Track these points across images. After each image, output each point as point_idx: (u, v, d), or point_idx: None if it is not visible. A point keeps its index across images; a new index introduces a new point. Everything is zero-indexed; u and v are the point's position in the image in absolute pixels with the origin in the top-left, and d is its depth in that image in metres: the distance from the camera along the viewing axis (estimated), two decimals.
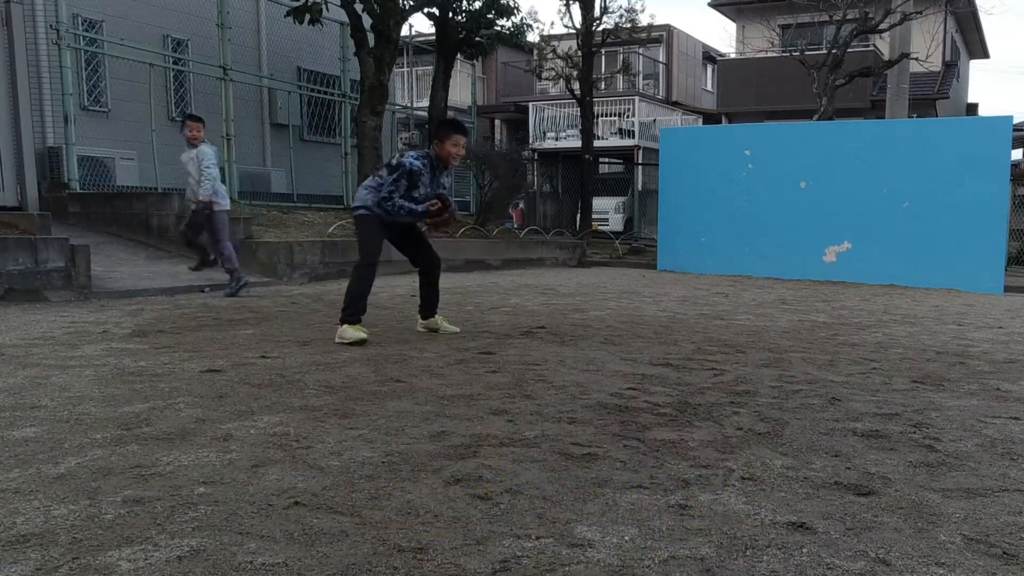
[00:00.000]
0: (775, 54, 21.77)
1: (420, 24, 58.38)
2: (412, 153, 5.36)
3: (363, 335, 5.05)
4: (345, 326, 5.09)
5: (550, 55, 17.98)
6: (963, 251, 10.60)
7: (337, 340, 5.05)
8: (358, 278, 5.33)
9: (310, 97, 14.60)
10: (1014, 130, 11.47)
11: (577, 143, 19.30)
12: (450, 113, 15.77)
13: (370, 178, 5.44)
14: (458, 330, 5.68)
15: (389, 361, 4.44)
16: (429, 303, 5.68)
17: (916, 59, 16.69)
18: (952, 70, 24.06)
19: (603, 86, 22.34)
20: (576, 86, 16.96)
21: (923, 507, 2.37)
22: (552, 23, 55.70)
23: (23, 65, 7.89)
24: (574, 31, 16.85)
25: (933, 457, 2.86)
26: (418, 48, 17.39)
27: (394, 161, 5.30)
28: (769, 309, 7.69)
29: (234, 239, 9.30)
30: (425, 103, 15.66)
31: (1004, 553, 2.06)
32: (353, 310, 5.15)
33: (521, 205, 19.97)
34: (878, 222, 11.16)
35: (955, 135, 10.86)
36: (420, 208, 5.18)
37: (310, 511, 2.23)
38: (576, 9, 16.58)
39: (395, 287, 8.87)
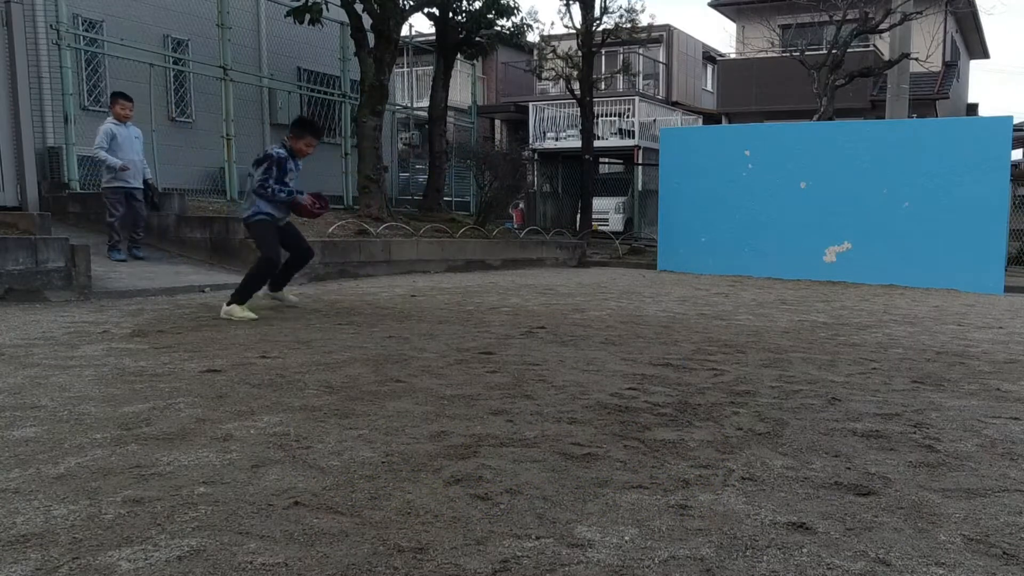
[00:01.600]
0: (775, 54, 21.77)
1: (420, 24, 58.42)
2: (274, 145, 6.24)
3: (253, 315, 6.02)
4: (235, 306, 6.02)
5: (550, 55, 18.00)
6: (963, 251, 10.60)
7: (223, 315, 5.96)
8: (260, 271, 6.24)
9: (310, 97, 14.60)
10: (1014, 130, 11.47)
11: (577, 143, 19.30)
12: (450, 113, 15.78)
13: (248, 184, 6.30)
14: (296, 300, 6.75)
15: (389, 361, 4.44)
16: (281, 281, 6.63)
17: (916, 59, 16.70)
18: (952, 70, 24.07)
19: (603, 86, 22.32)
20: (576, 86, 16.96)
21: (923, 507, 2.37)
22: (552, 23, 55.79)
23: (23, 65, 7.88)
24: (574, 31, 16.85)
25: (933, 457, 2.86)
26: (418, 48, 17.39)
27: (260, 155, 6.14)
28: (769, 309, 7.69)
29: (234, 239, 9.32)
30: (425, 103, 15.66)
31: (1004, 553, 2.06)
32: (244, 295, 6.12)
33: (521, 205, 19.97)
34: (878, 222, 11.16)
35: (955, 135, 10.86)
36: (285, 194, 6.08)
37: (310, 511, 2.23)
38: (576, 9, 16.60)
39: (395, 287, 8.88)
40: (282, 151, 6.10)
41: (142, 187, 8.99)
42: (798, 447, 2.96)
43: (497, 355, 4.71)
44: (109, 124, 8.76)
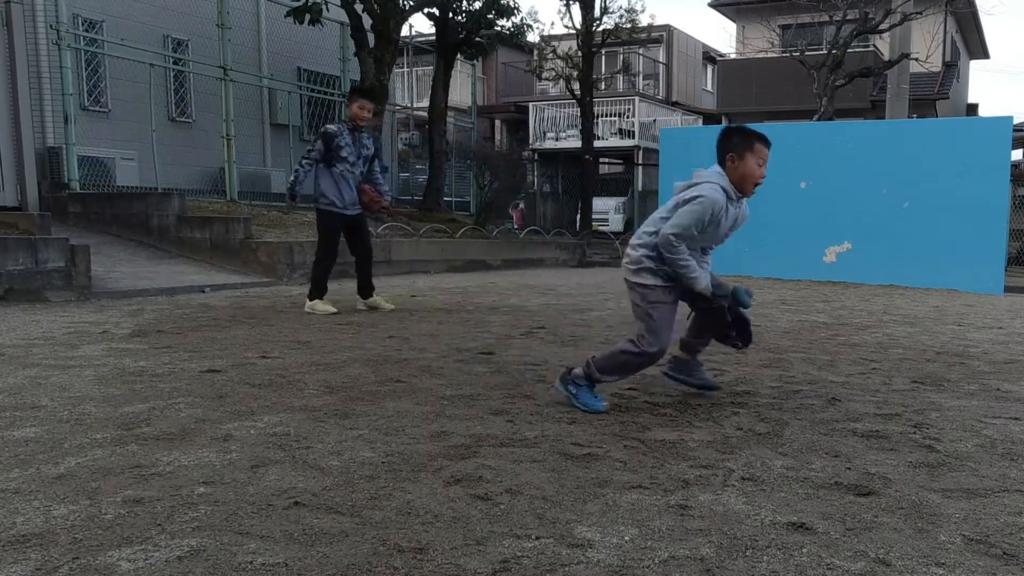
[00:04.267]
0: (775, 54, 21.77)
1: (420, 24, 58.37)
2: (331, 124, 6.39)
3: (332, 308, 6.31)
4: (316, 301, 6.33)
5: (550, 55, 18.00)
6: (963, 251, 10.60)
7: (307, 309, 6.27)
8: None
9: (310, 97, 14.60)
10: (1014, 130, 11.47)
11: (577, 143, 19.31)
12: (450, 113, 15.78)
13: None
14: (392, 307, 6.68)
15: (389, 361, 4.44)
16: (364, 285, 6.66)
17: (916, 59, 16.70)
18: (952, 70, 24.07)
19: (603, 86, 22.33)
20: (576, 86, 16.97)
21: (923, 507, 2.37)
22: (552, 23, 55.77)
23: (23, 65, 7.89)
24: (574, 31, 16.86)
25: (933, 457, 2.86)
26: (418, 48, 17.40)
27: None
28: (769, 309, 7.69)
29: (235, 239, 9.32)
30: (425, 103, 15.67)
31: (1004, 553, 2.06)
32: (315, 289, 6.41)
33: (521, 205, 19.98)
34: (878, 222, 11.16)
35: (955, 135, 10.86)
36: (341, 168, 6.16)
37: (310, 511, 2.23)
38: (576, 9, 16.61)
39: (395, 287, 8.88)
40: (333, 126, 6.10)
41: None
42: (798, 447, 2.95)
43: (497, 355, 4.71)
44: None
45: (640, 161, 22.79)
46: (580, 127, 17.84)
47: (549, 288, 9.38)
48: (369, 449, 2.81)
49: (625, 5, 41.62)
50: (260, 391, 3.65)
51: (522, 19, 16.60)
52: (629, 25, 17.63)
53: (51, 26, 10.07)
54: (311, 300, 6.42)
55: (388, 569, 1.89)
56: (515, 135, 27.34)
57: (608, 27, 17.33)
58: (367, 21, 11.69)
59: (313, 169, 6.21)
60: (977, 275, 10.49)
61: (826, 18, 17.18)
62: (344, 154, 6.18)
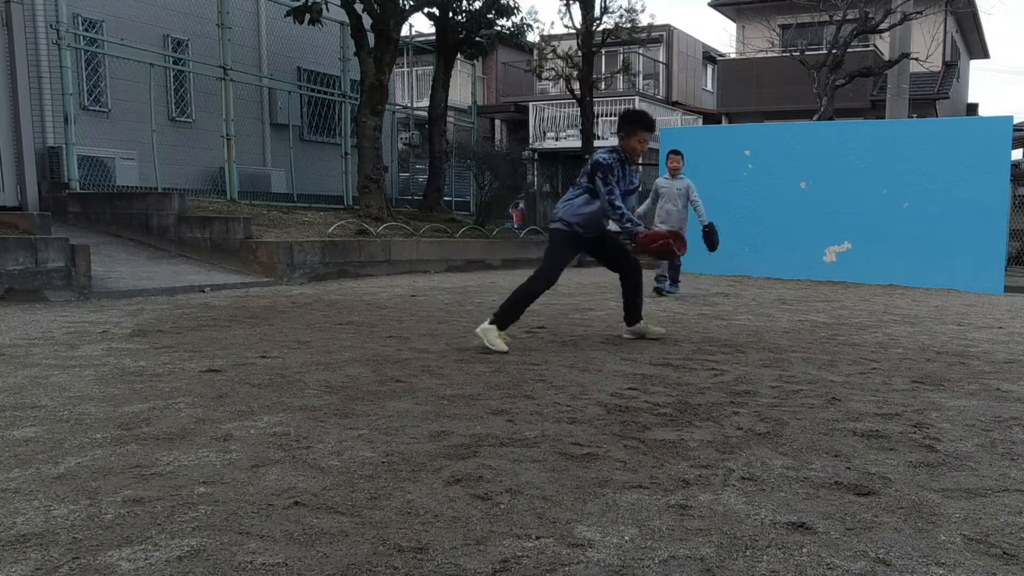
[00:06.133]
0: (775, 54, 21.77)
1: (420, 24, 58.36)
2: (600, 152, 5.29)
3: (504, 346, 4.88)
4: (493, 329, 4.94)
5: (550, 55, 17.99)
6: (963, 251, 10.59)
7: (478, 332, 4.94)
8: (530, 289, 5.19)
9: (310, 97, 14.60)
10: (1014, 130, 11.46)
11: (577, 143, 19.30)
12: (450, 113, 15.78)
13: (569, 191, 5.38)
14: (663, 332, 5.63)
15: (389, 361, 4.44)
16: (631, 308, 5.55)
17: (916, 59, 16.70)
18: (952, 70, 24.07)
19: (603, 86, 22.32)
20: (576, 86, 16.96)
21: (923, 507, 2.37)
22: (552, 23, 55.73)
23: (23, 65, 7.89)
24: (574, 31, 16.86)
25: (933, 457, 2.86)
26: (418, 48, 17.39)
27: (588, 166, 5.20)
28: (769, 309, 7.69)
29: (235, 239, 9.32)
30: (425, 103, 15.66)
31: (1004, 553, 2.06)
32: (507, 316, 5.03)
33: (521, 205, 19.97)
34: (878, 222, 11.15)
35: (955, 135, 10.85)
36: (625, 219, 5.09)
37: (310, 511, 2.23)
38: (576, 9, 16.60)
39: (395, 287, 8.88)
40: (608, 156, 5.15)
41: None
42: (798, 447, 2.95)
43: (497, 355, 4.71)
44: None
45: (640, 161, 22.79)
46: (580, 127, 17.83)
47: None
48: (369, 449, 2.81)
49: (625, 5, 41.58)
50: (260, 391, 3.66)
51: (522, 19, 16.60)
52: (629, 25, 17.62)
53: (51, 26, 10.07)
54: (491, 324, 5.03)
55: (388, 569, 1.89)
56: (515, 135, 27.34)
57: (608, 27, 17.32)
58: (367, 21, 11.68)
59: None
60: (977, 275, 10.49)
61: (826, 18, 17.17)
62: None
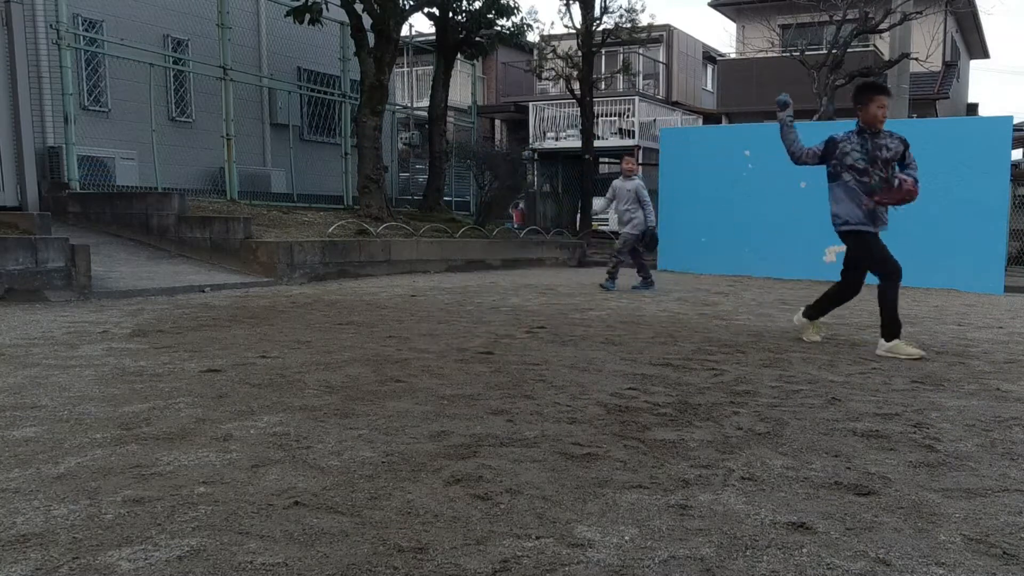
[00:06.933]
0: (775, 54, 21.77)
1: (420, 24, 58.39)
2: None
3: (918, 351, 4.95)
4: (896, 341, 4.99)
5: (550, 55, 17.99)
6: (963, 251, 10.59)
7: (883, 352, 5.00)
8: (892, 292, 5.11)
9: (310, 97, 14.60)
10: (1014, 130, 11.46)
11: (577, 143, 19.30)
12: (450, 113, 15.77)
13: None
14: (819, 340, 5.56)
15: (389, 361, 4.44)
16: (822, 305, 5.60)
17: (916, 59, 16.71)
18: (952, 70, 24.07)
19: (603, 86, 22.33)
20: (576, 86, 16.96)
21: (923, 507, 2.37)
22: (552, 23, 55.73)
23: (23, 65, 7.89)
24: (574, 31, 16.86)
25: (933, 457, 2.86)
26: (418, 48, 17.39)
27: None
28: (769, 309, 7.69)
29: (235, 239, 9.32)
30: (425, 103, 15.65)
31: (1004, 553, 2.06)
32: (893, 326, 5.02)
33: (521, 205, 19.98)
34: None
35: (955, 135, 10.85)
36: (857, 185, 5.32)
37: (310, 511, 2.23)
38: (576, 9, 16.61)
39: (395, 287, 8.88)
40: (839, 133, 5.29)
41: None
42: (798, 447, 2.95)
43: (497, 355, 4.71)
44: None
45: (640, 161, 22.78)
46: (580, 127, 17.84)
47: (549, 288, 9.37)
48: (369, 449, 2.81)
49: (625, 5, 41.59)
50: (260, 391, 3.66)
51: (522, 19, 16.61)
52: (629, 25, 17.62)
53: (51, 26, 10.07)
54: (889, 341, 5.02)
55: (388, 569, 1.89)
56: (515, 135, 27.34)
57: (608, 27, 17.32)
58: (367, 21, 11.68)
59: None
60: (977, 275, 10.48)
61: (826, 18, 17.18)
62: (850, 161, 5.37)
